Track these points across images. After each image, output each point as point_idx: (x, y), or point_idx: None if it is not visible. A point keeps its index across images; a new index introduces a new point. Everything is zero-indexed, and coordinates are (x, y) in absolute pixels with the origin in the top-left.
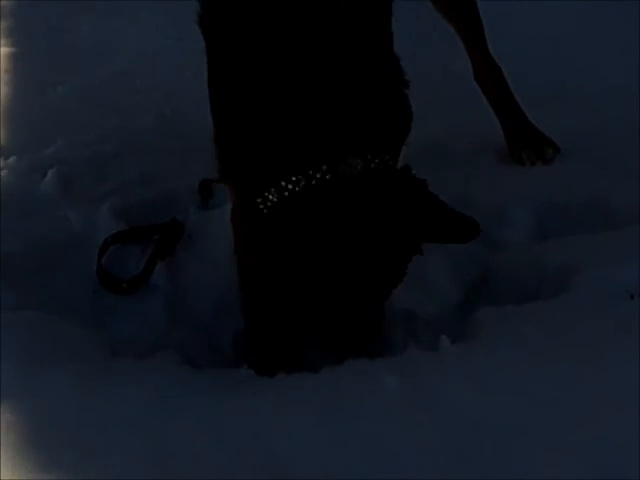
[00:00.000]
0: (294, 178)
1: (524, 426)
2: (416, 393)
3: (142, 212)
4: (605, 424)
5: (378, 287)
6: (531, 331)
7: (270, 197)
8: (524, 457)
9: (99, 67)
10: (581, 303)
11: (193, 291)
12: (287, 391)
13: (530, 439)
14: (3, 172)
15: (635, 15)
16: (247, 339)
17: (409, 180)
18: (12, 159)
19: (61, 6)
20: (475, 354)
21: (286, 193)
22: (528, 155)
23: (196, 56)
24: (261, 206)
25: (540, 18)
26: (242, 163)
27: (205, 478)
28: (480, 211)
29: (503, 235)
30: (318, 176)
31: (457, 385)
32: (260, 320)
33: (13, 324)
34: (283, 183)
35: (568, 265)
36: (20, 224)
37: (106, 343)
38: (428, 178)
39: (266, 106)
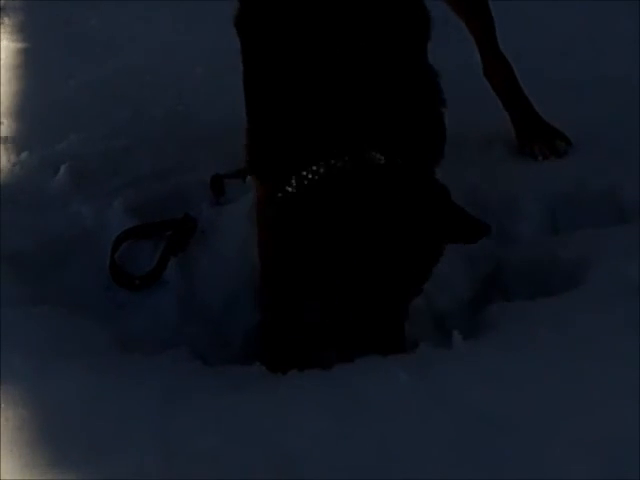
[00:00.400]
0: (314, 167)
1: (537, 422)
2: (429, 389)
3: (154, 207)
4: (619, 420)
5: (395, 284)
6: (543, 327)
7: (289, 188)
8: (537, 452)
9: (110, 62)
10: (594, 298)
11: (205, 287)
12: (299, 388)
13: (543, 435)
14: (15, 167)
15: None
16: (261, 335)
17: (429, 181)
18: (24, 154)
19: (72, 0)
20: (487, 350)
21: (306, 182)
22: (540, 149)
23: (207, 51)
24: (280, 195)
25: (551, 11)
26: (269, 155)
27: (215, 474)
28: (492, 205)
29: (515, 229)
30: (339, 165)
31: (470, 381)
32: (277, 316)
33: (26, 319)
34: (304, 173)
35: (581, 259)
36: (32, 219)
37: (118, 339)
38: (441, 172)
39: (295, 102)
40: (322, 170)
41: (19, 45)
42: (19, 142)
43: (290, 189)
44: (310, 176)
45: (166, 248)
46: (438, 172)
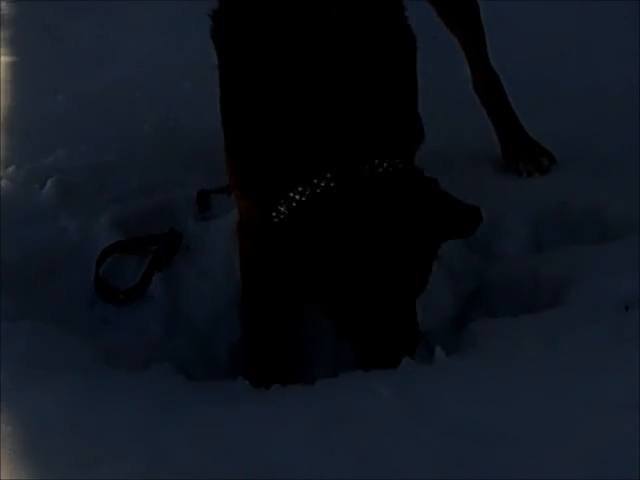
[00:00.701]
0: (300, 188)
1: (521, 436)
2: (411, 405)
3: (140, 222)
4: (601, 433)
5: (397, 288)
6: (527, 343)
7: (281, 209)
8: (521, 467)
9: (99, 76)
10: (577, 314)
11: (190, 302)
12: (283, 403)
13: (527, 449)
14: (2, 182)
15: (635, 22)
16: (244, 351)
17: (418, 181)
18: (11, 168)
19: (61, 14)
20: (470, 366)
21: (294, 204)
22: (525, 165)
23: (196, 65)
24: (275, 219)
25: (536, 26)
26: (255, 176)
27: None
28: None
29: (499, 246)
30: (322, 185)
31: (453, 397)
32: (259, 333)
33: (10, 333)
34: (291, 194)
35: (564, 276)
36: (19, 234)
37: (102, 353)
38: None
39: (272, 120)
40: (308, 192)
41: (8, 59)
42: (6, 156)
43: (283, 209)
44: (297, 197)
45: (151, 263)
46: None
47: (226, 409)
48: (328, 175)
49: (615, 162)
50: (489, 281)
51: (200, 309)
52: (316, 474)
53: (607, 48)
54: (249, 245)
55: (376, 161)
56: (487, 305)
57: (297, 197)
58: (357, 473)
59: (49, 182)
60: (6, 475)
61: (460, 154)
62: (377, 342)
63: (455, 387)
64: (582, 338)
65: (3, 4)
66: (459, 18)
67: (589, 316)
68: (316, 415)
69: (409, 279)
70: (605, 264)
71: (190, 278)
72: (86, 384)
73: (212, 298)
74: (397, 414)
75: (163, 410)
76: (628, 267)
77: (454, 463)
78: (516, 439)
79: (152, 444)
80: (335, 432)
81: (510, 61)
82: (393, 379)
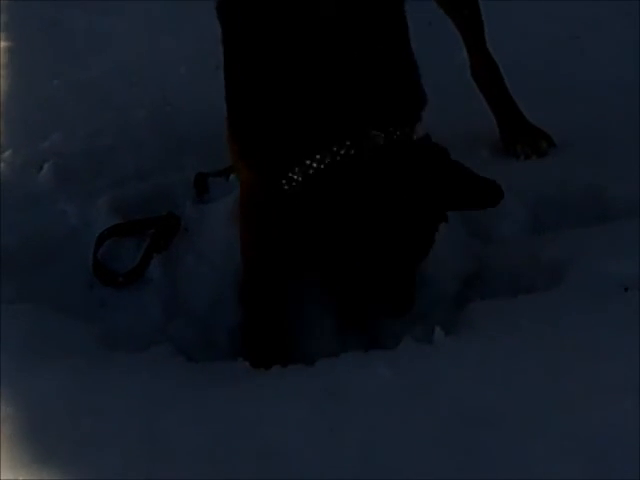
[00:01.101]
0: (318, 156)
1: (520, 417)
2: (411, 385)
3: (138, 206)
4: (599, 413)
5: (408, 256)
6: (525, 323)
7: (295, 177)
8: (519, 447)
9: (95, 61)
10: (575, 296)
11: (188, 285)
12: (283, 383)
13: (525, 429)
14: None
15: (635, 9)
16: (244, 332)
17: (432, 149)
18: (8, 153)
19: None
20: (469, 346)
21: (311, 171)
22: (523, 148)
23: (192, 50)
24: (286, 187)
25: (537, 13)
26: (263, 145)
27: (200, 468)
28: None
29: (498, 228)
30: (342, 152)
31: (452, 377)
32: (259, 313)
33: (9, 317)
34: (308, 162)
35: (562, 258)
36: (16, 218)
37: (102, 336)
38: None
39: (285, 86)
40: (327, 159)
41: (4, 44)
42: (3, 140)
43: (296, 177)
44: (315, 165)
45: (149, 246)
46: None
47: (226, 390)
48: (347, 142)
49: (614, 144)
50: (488, 263)
51: (199, 291)
52: (315, 454)
53: (606, 36)
54: (250, 224)
55: (390, 129)
56: (486, 287)
57: (315, 165)
58: (356, 452)
59: (46, 166)
60: (6, 457)
61: (457, 139)
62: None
63: (454, 367)
64: (581, 320)
65: None
66: (458, 5)
67: (588, 298)
68: (316, 395)
69: (418, 246)
70: (604, 246)
71: (189, 261)
72: (86, 366)
73: (211, 280)
74: (396, 394)
75: (163, 392)
76: (627, 249)
77: (453, 442)
78: (515, 420)
79: (152, 425)
80: (335, 412)
81: (508, 50)
82: (392, 359)
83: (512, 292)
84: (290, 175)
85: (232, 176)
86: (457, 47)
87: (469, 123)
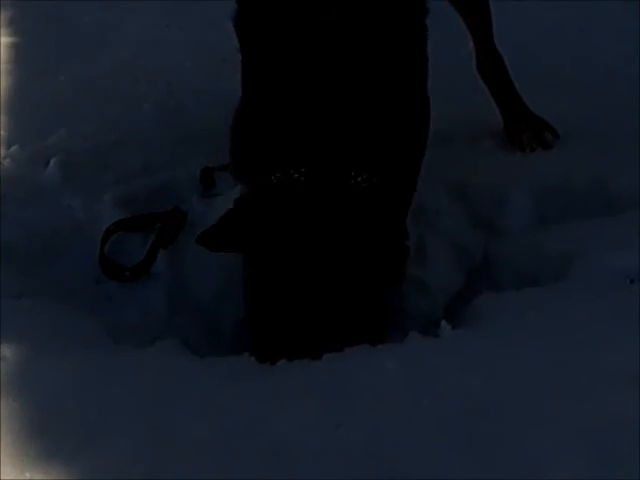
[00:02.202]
0: (277, 174)
1: (525, 410)
2: (417, 379)
3: (144, 201)
4: (605, 406)
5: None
6: (531, 316)
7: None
8: (525, 440)
9: (100, 56)
10: (581, 288)
11: (194, 279)
12: (288, 378)
13: (531, 423)
14: (6, 161)
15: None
16: (249, 327)
17: (382, 204)
18: (14, 148)
19: None
20: (476, 339)
21: (264, 186)
22: (528, 140)
23: (197, 46)
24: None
25: (539, 3)
26: (245, 159)
27: (206, 460)
28: (481, 197)
29: (503, 221)
30: (295, 176)
31: (458, 371)
32: (263, 307)
33: (16, 311)
34: (266, 177)
35: (568, 250)
36: (23, 213)
37: (108, 331)
38: (429, 164)
39: (276, 110)
40: (278, 177)
41: (10, 40)
42: (9, 136)
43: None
44: (265, 182)
45: (156, 240)
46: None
47: (232, 385)
48: (303, 170)
49: (618, 136)
50: (493, 255)
51: (205, 286)
52: (322, 449)
53: (608, 26)
54: None
55: (352, 173)
56: (492, 279)
57: (269, 180)
58: (363, 447)
59: (52, 162)
60: (12, 453)
61: (463, 131)
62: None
63: (460, 361)
64: (586, 312)
65: None
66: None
67: (593, 290)
68: (322, 390)
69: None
70: (609, 238)
71: (195, 255)
72: (92, 361)
73: (217, 275)
74: (402, 388)
75: (168, 386)
76: (632, 240)
77: (460, 436)
78: (521, 412)
79: (159, 419)
80: (341, 405)
81: (511, 41)
82: (399, 352)
83: (517, 284)
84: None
85: None
86: (461, 39)
87: (473, 115)
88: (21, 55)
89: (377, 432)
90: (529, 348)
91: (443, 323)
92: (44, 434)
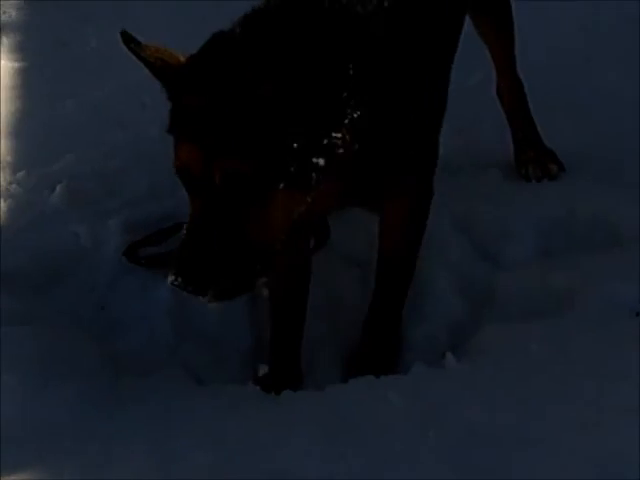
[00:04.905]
0: None
1: (529, 441)
2: (421, 410)
3: (149, 227)
4: (613, 436)
5: None
6: (536, 348)
7: None
8: (529, 470)
9: (107, 81)
10: (585, 321)
11: (200, 307)
12: (292, 408)
13: (535, 453)
14: (12, 187)
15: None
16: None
17: None
18: (21, 174)
19: (68, 20)
20: (480, 371)
21: None
22: (534, 170)
23: None
24: None
25: (545, 35)
26: None
27: None
28: (485, 228)
29: (508, 253)
30: None
31: (462, 402)
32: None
33: (19, 337)
34: None
35: (572, 283)
36: (28, 238)
37: (112, 358)
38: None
39: None
40: None
41: (17, 65)
42: (16, 161)
43: None
44: None
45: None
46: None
47: (237, 415)
48: None
49: (623, 170)
50: (498, 288)
51: (210, 313)
52: (324, 477)
53: (612, 59)
54: None
55: None
56: (497, 311)
57: None
58: (366, 478)
59: (58, 187)
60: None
61: (469, 160)
62: None
63: (464, 392)
64: (591, 344)
65: (10, 11)
66: (493, 25)
67: (598, 322)
68: (326, 420)
69: None
70: (613, 271)
71: None
72: (95, 389)
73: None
74: (407, 419)
75: (171, 415)
76: (636, 273)
77: (466, 468)
78: (527, 443)
79: (163, 448)
80: (345, 437)
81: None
82: (403, 384)
83: (522, 317)
84: None
85: None
86: (475, 66)
87: (481, 144)
88: (28, 80)
89: (381, 463)
90: (535, 379)
91: (448, 355)
92: (46, 461)
